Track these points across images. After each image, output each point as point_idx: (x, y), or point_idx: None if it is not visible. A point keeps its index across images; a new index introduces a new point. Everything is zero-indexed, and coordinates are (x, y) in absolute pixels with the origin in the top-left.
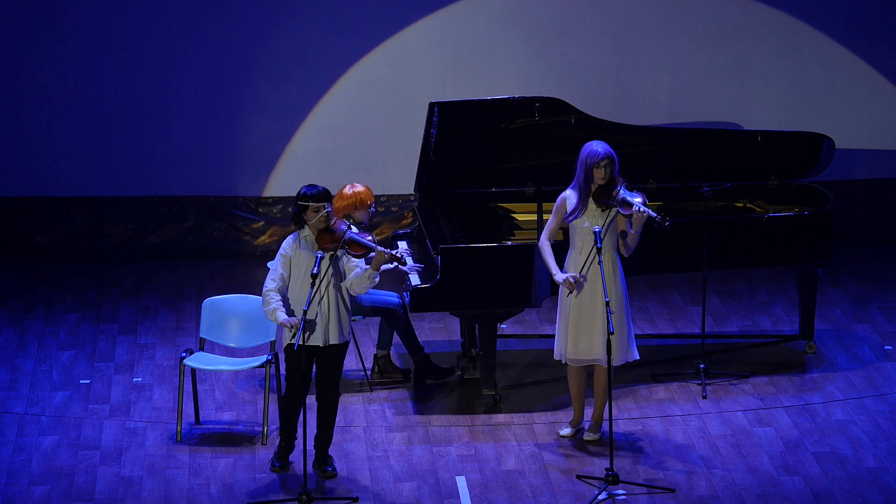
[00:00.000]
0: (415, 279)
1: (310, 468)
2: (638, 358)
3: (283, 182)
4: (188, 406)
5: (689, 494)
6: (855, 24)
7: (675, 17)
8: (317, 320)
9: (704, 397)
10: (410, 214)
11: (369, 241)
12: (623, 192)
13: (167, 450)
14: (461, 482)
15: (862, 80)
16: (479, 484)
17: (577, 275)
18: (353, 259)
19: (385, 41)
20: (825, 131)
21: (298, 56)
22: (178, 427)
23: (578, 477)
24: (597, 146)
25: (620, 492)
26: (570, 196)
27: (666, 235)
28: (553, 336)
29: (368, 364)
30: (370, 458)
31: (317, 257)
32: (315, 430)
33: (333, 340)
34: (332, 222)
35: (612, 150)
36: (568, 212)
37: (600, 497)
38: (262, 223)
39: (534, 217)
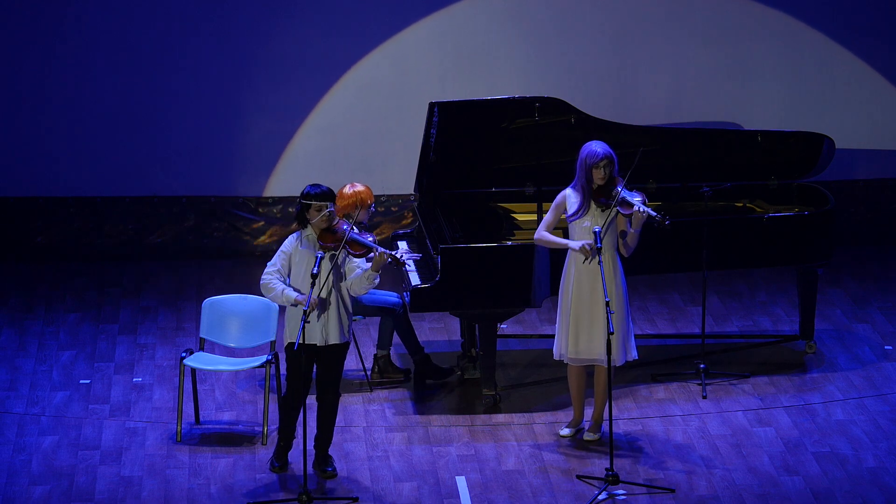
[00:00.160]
0: (415, 279)
1: (310, 468)
2: (636, 357)
3: (283, 182)
4: (188, 406)
5: (689, 494)
6: (855, 24)
7: (675, 17)
8: (317, 320)
9: (704, 397)
10: (410, 214)
11: (370, 241)
12: (623, 192)
13: (167, 450)
14: (461, 482)
15: (862, 80)
16: (479, 484)
17: (592, 241)
18: (354, 259)
19: (385, 41)
20: (825, 131)
21: (298, 56)
22: (178, 427)
23: (578, 477)
24: (596, 146)
25: (620, 492)
26: (570, 196)
27: (666, 235)
28: (553, 336)
29: (368, 364)
30: (370, 458)
31: (317, 257)
32: (315, 431)
33: (333, 340)
34: (335, 222)
35: (611, 150)
36: (569, 212)
37: (600, 497)
38: (262, 223)
39: (534, 217)
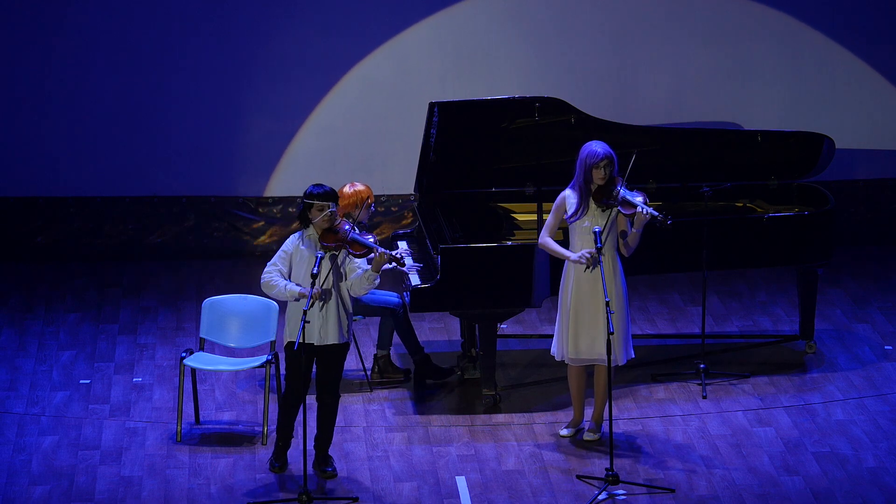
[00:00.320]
0: (415, 279)
1: (310, 468)
2: (633, 356)
3: (283, 182)
4: (188, 406)
5: (689, 494)
6: (855, 24)
7: (675, 17)
8: (318, 315)
9: (704, 397)
10: (410, 214)
11: (371, 241)
12: (624, 192)
13: (167, 450)
14: (461, 482)
15: (862, 81)
16: (479, 484)
17: (592, 250)
18: (355, 260)
19: (385, 41)
20: (825, 131)
21: (298, 56)
22: (178, 427)
23: (578, 477)
24: (596, 146)
25: (620, 492)
26: (569, 196)
27: (666, 235)
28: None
29: (368, 364)
30: (370, 458)
31: (317, 257)
32: (315, 431)
33: (332, 340)
34: (337, 222)
35: (611, 150)
36: (568, 213)
37: (600, 497)
38: (262, 223)
39: (534, 217)
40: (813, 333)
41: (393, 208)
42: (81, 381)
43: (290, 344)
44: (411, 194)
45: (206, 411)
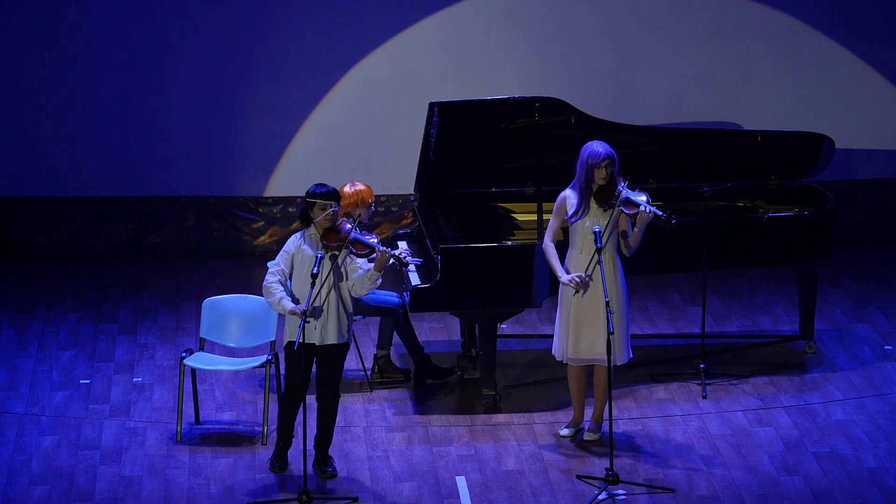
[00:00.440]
0: (415, 279)
1: (310, 468)
2: (631, 356)
3: (283, 182)
4: (188, 406)
5: (689, 494)
6: (855, 24)
7: (675, 17)
8: (317, 319)
9: (704, 397)
10: (410, 214)
11: (373, 241)
12: (626, 192)
13: (167, 450)
14: (461, 482)
15: (862, 81)
16: (479, 484)
17: (583, 274)
18: (357, 260)
19: (385, 41)
20: (825, 131)
21: (298, 56)
22: (178, 427)
23: (578, 477)
24: (597, 146)
25: (620, 492)
26: (570, 196)
27: (666, 235)
28: (553, 336)
29: (368, 364)
30: (370, 458)
31: (317, 257)
32: (315, 431)
33: (331, 340)
34: (338, 222)
35: (612, 150)
36: (569, 213)
37: (600, 497)
38: (262, 223)
39: (534, 217)
40: (813, 333)
41: (393, 208)
42: (81, 381)
43: (290, 344)
44: (411, 194)
45: (206, 411)
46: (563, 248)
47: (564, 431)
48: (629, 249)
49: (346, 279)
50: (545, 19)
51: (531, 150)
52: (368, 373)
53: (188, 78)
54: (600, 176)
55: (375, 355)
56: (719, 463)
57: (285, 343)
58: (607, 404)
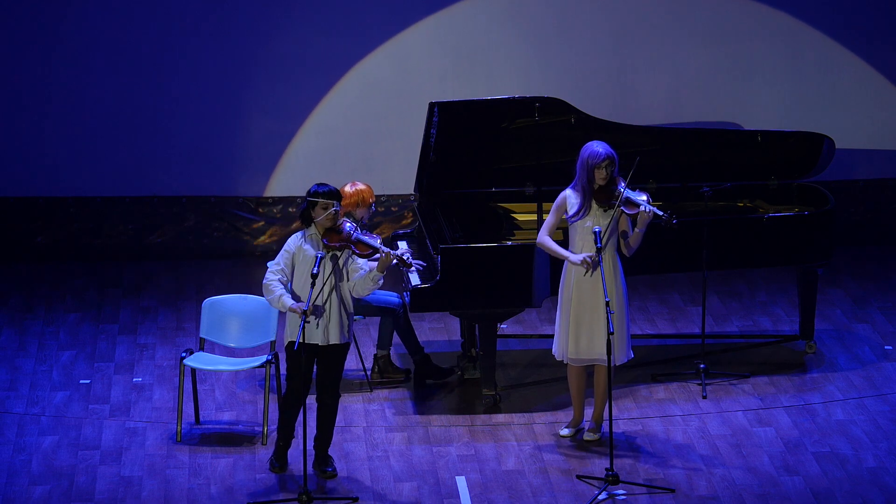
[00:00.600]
0: (415, 279)
1: (310, 468)
2: (632, 356)
3: (283, 182)
4: (188, 406)
5: (689, 494)
6: (855, 24)
7: (675, 17)
8: (317, 320)
9: (704, 397)
10: (410, 214)
11: (376, 242)
12: (626, 192)
13: (167, 450)
14: (461, 482)
15: (862, 80)
16: (479, 484)
17: (593, 253)
18: (358, 260)
19: (385, 41)
20: (825, 131)
21: (298, 56)
22: (178, 427)
23: (578, 477)
24: (597, 147)
25: (620, 492)
26: (570, 196)
27: (666, 235)
28: (553, 336)
29: (368, 364)
30: (370, 458)
31: (317, 257)
32: (315, 431)
33: (333, 340)
34: (339, 222)
35: (612, 151)
36: (569, 213)
37: (600, 497)
38: (262, 223)
39: (534, 217)
40: (813, 333)
41: (393, 208)
42: (81, 381)
43: (291, 344)
44: (411, 194)
45: (206, 411)
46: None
47: (564, 431)
48: (629, 249)
49: (347, 279)
50: (545, 19)
51: (531, 150)
52: (368, 373)
53: (188, 78)
54: (600, 176)
55: (375, 355)
56: (719, 463)
57: (286, 343)
58: (607, 404)
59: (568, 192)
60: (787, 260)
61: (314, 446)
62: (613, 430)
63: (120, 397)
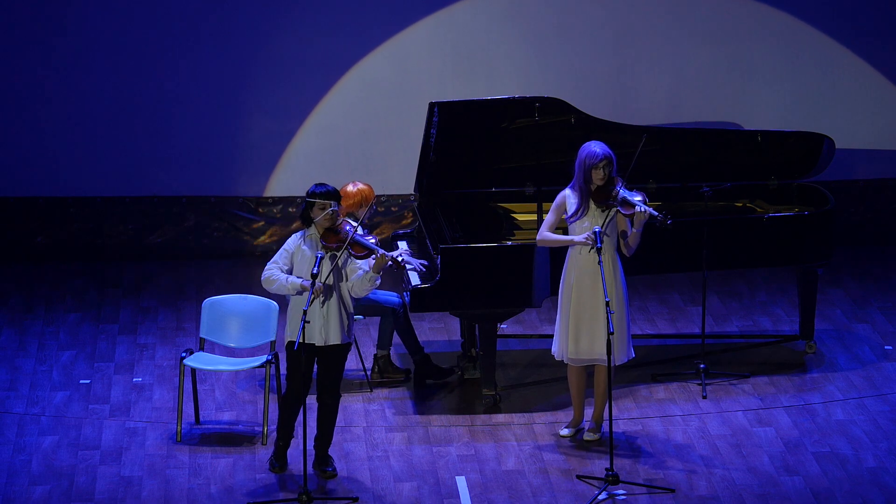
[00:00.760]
0: (415, 279)
1: (310, 468)
2: (633, 356)
3: (283, 182)
4: (188, 406)
5: (689, 494)
6: (855, 24)
7: (675, 16)
8: (319, 312)
9: (704, 397)
10: (410, 214)
11: (372, 243)
12: (623, 192)
13: (167, 450)
14: (461, 482)
15: (862, 81)
16: (479, 484)
17: (596, 228)
18: (357, 261)
19: (385, 41)
20: (825, 131)
21: (298, 56)
22: (178, 427)
23: (578, 477)
24: (595, 147)
25: (620, 492)
26: (569, 196)
27: (666, 235)
28: (553, 336)
29: (368, 364)
30: (370, 458)
31: (317, 257)
32: (315, 431)
33: (333, 341)
34: (338, 222)
35: (610, 151)
36: (568, 213)
37: (600, 497)
38: (262, 223)
39: (534, 217)
40: (813, 333)
41: (393, 208)
42: (81, 381)
43: (291, 343)
44: (411, 194)
45: (206, 411)
46: (561, 248)
47: (564, 431)
48: (629, 249)
49: (346, 280)
50: (545, 19)
51: (531, 150)
52: (368, 373)
53: (188, 78)
54: (598, 176)
55: (375, 355)
56: (719, 463)
57: (286, 342)
58: (607, 404)
59: (567, 191)
60: (787, 260)
61: (314, 446)
62: (613, 430)
63: (120, 397)
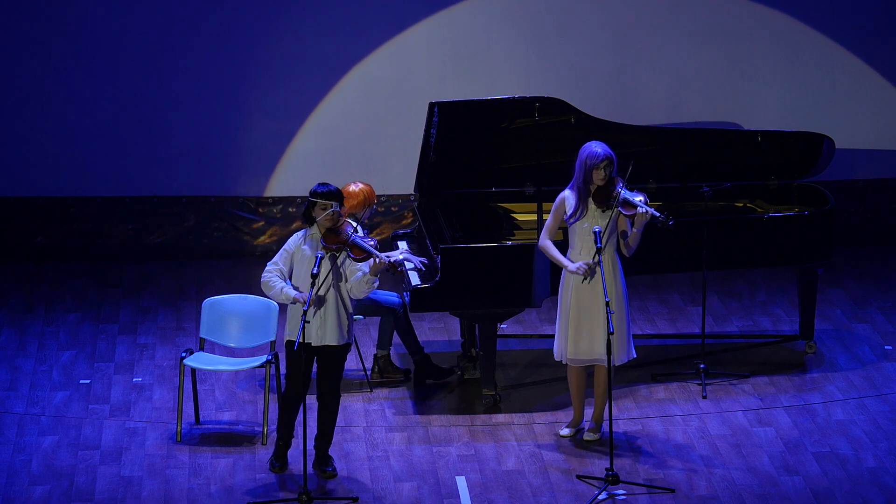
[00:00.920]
0: (415, 279)
1: (310, 468)
2: (635, 356)
3: (283, 182)
4: (188, 406)
5: (689, 494)
6: (855, 24)
7: (675, 17)
8: (314, 316)
9: (704, 397)
10: (410, 214)
11: (371, 246)
12: (624, 192)
13: (167, 450)
14: (461, 482)
15: (862, 81)
16: (479, 484)
17: (590, 261)
18: (356, 262)
19: (385, 42)
20: (825, 131)
21: (298, 56)
22: (178, 427)
23: (578, 477)
24: (596, 147)
25: (620, 492)
26: (568, 197)
27: (666, 235)
28: (553, 336)
29: (368, 364)
30: (370, 458)
31: (317, 257)
32: (315, 431)
33: (331, 341)
34: (340, 223)
35: (611, 151)
36: (567, 213)
37: (600, 497)
38: (262, 223)
39: (534, 217)
40: (813, 333)
41: (393, 208)
42: (81, 381)
43: (291, 343)
44: (411, 194)
45: (206, 411)
46: (561, 248)
47: (564, 431)
48: (629, 250)
49: (346, 280)
50: (545, 19)
51: (531, 150)
52: (368, 373)
53: (188, 78)
54: (599, 177)
55: (375, 355)
56: (719, 463)
57: (285, 342)
58: (607, 404)
59: (566, 192)
60: (787, 260)
61: (314, 446)
62: (613, 430)
63: (120, 397)
